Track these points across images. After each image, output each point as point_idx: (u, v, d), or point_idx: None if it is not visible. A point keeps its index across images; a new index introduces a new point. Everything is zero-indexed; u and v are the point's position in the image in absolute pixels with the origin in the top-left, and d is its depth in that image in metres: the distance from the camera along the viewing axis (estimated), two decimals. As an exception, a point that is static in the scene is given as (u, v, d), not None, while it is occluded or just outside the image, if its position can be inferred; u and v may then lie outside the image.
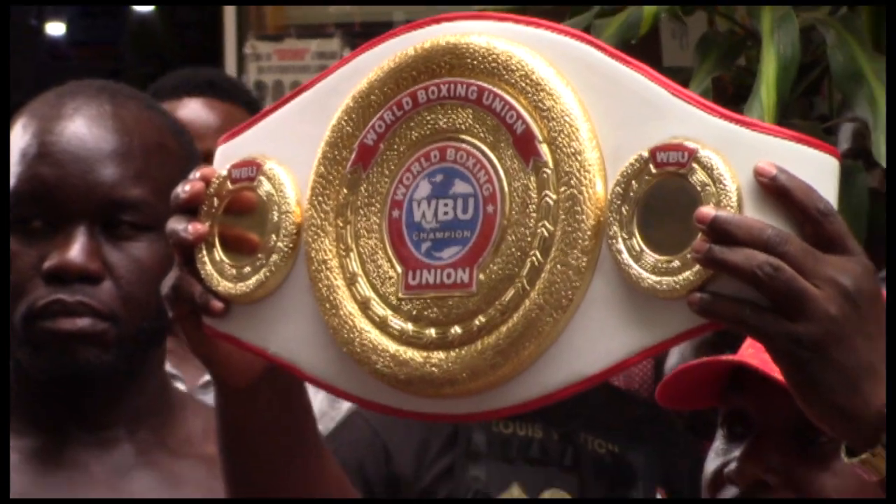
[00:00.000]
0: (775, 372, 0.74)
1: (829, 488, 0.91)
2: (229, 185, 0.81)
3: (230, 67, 4.10)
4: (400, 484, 1.63)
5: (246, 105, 1.89)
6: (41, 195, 1.07)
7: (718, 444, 0.97)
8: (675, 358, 1.68)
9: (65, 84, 1.15)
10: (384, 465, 1.63)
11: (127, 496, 1.08)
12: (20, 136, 1.09)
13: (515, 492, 1.61)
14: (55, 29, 6.73)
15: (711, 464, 0.96)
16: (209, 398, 1.05)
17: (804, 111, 2.02)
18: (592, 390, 0.79)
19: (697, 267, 0.68)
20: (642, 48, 1.61)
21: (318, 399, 1.48)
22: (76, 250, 1.05)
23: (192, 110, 1.78)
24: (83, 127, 1.09)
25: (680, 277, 0.69)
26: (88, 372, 1.06)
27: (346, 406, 1.73)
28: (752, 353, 0.91)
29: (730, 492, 0.92)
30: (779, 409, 0.90)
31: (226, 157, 0.84)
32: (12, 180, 1.07)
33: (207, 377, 1.38)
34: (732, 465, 0.93)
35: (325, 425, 1.61)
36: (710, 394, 0.99)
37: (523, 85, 0.74)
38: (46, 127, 1.09)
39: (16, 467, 1.08)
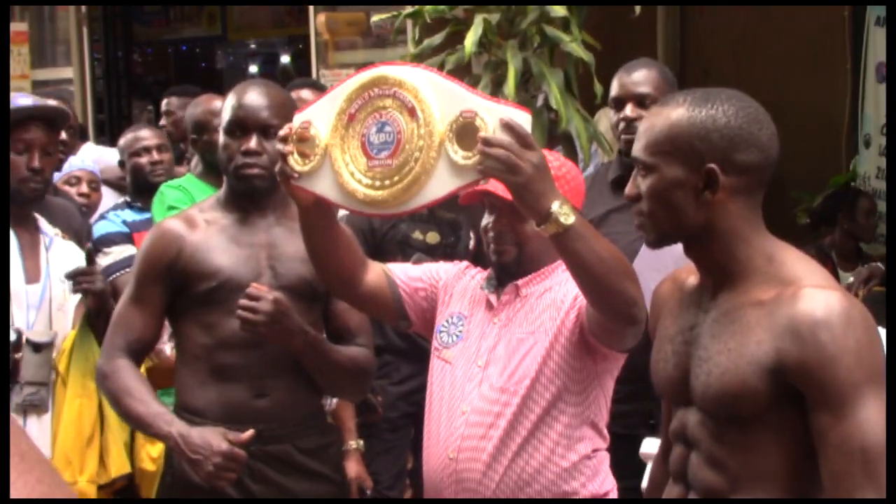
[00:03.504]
0: (505, 193, 1.93)
1: (528, 232, 2.09)
2: (300, 129, 1.98)
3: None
4: (375, 230, 3.13)
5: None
6: (239, 121, 2.33)
7: (486, 216, 2.19)
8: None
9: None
10: (368, 223, 3.08)
11: (270, 240, 2.38)
12: (229, 99, 2.38)
13: (419, 234, 3.10)
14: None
15: (484, 221, 2.19)
16: None
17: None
18: (444, 203, 2.02)
19: (478, 156, 1.84)
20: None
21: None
22: (253, 142, 2.31)
23: (299, 95, 3.57)
24: (256, 94, 2.36)
25: (472, 160, 1.85)
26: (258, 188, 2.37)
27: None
28: (495, 185, 2.06)
29: (489, 235, 2.13)
30: (507, 204, 2.06)
31: (299, 118, 2.02)
32: (226, 116, 2.38)
33: None
34: (490, 223, 2.16)
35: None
36: (480, 196, 2.17)
37: (409, 88, 1.90)
38: (239, 94, 2.36)
39: (225, 227, 2.38)
